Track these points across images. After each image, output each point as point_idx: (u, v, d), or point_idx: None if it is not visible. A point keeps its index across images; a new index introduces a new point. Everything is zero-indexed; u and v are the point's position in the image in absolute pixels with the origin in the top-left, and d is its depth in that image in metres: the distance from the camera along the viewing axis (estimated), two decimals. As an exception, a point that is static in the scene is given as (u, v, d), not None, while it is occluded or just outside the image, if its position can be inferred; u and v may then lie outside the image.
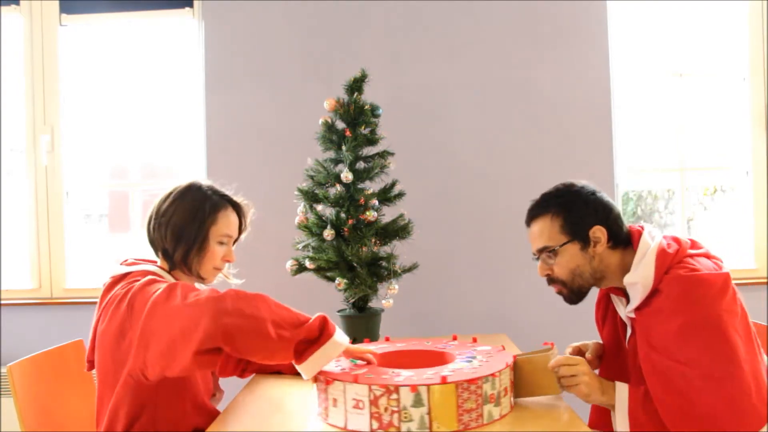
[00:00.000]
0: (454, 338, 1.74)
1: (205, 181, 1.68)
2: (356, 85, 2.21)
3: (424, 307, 2.74)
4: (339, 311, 2.24)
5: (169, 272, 1.60)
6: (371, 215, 2.13)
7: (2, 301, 2.82)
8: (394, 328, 2.33)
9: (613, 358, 1.66)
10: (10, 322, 2.82)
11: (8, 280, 2.91)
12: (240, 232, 1.70)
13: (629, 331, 1.60)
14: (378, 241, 2.19)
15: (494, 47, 2.80)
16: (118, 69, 3.03)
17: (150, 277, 1.47)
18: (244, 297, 1.32)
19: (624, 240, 1.56)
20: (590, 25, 2.78)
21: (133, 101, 3.03)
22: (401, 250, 2.24)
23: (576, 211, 1.56)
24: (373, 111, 2.22)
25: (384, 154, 2.24)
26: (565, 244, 1.55)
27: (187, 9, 2.90)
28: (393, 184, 2.27)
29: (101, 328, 1.46)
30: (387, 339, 1.76)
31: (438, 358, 1.57)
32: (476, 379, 1.32)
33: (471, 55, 2.80)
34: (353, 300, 2.18)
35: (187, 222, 1.57)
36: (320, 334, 1.37)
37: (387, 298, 2.20)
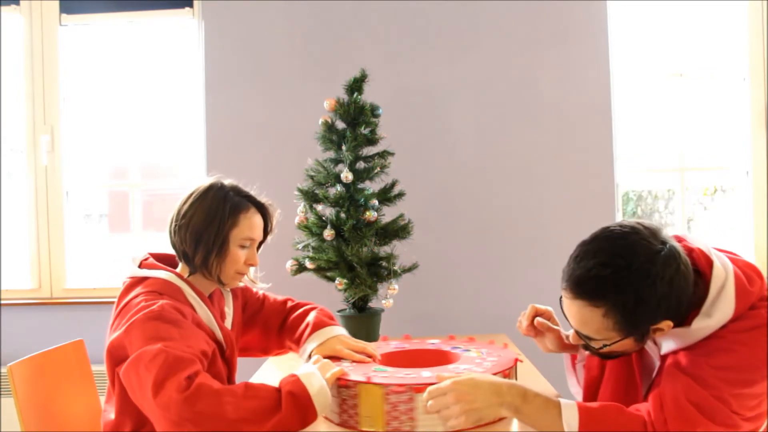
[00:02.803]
0: (451, 338, 1.76)
1: (227, 180, 1.60)
2: (356, 85, 2.21)
3: (424, 307, 2.74)
4: (339, 311, 2.24)
5: (189, 276, 1.55)
6: (371, 215, 2.13)
7: (2, 301, 2.81)
8: (394, 328, 2.34)
9: (617, 386, 1.39)
10: (10, 322, 2.82)
11: (8, 280, 2.91)
12: (266, 234, 1.64)
13: (656, 368, 1.33)
14: (378, 241, 2.19)
15: (494, 47, 2.79)
16: (118, 69, 3.03)
17: (158, 305, 1.40)
18: (214, 395, 1.26)
19: (689, 305, 1.21)
20: (590, 25, 2.78)
21: (132, 101, 3.03)
22: (401, 250, 2.24)
23: (641, 312, 1.16)
24: (373, 111, 2.22)
25: (384, 154, 2.24)
26: (617, 341, 1.21)
27: (187, 9, 2.90)
28: (393, 184, 2.27)
29: (112, 335, 1.44)
30: (385, 339, 1.76)
31: (442, 358, 1.58)
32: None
33: (471, 55, 2.80)
34: (353, 300, 2.18)
35: (206, 224, 1.51)
36: (298, 400, 1.30)
37: (387, 298, 2.20)
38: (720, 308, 1.17)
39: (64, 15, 2.91)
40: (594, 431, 1.16)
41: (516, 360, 1.49)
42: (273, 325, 1.75)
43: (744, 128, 2.86)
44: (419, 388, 1.27)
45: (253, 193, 1.61)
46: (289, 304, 1.79)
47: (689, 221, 3.05)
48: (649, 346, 1.33)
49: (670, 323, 1.19)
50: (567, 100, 2.78)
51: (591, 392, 1.44)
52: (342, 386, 1.35)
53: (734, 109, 2.89)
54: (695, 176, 2.99)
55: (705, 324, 1.18)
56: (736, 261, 1.24)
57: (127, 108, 3.03)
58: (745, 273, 1.21)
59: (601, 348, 1.23)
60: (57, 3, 2.91)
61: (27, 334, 2.80)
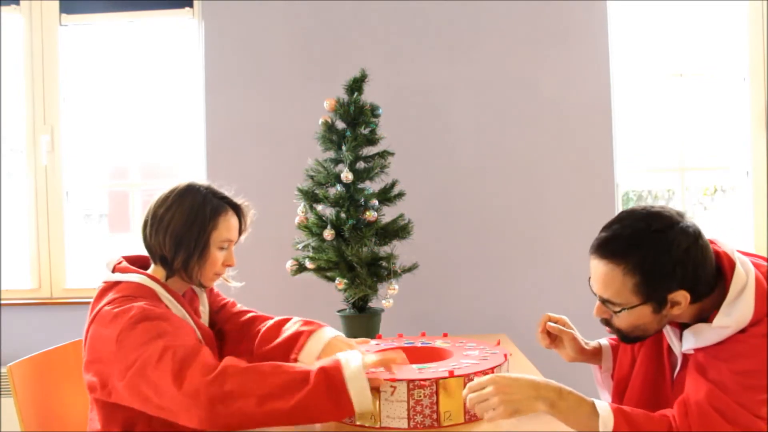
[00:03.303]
0: (445, 335, 1.79)
1: (202, 181, 1.58)
2: (356, 85, 2.22)
3: (424, 307, 2.74)
4: (339, 311, 2.24)
5: (165, 280, 1.53)
6: (371, 215, 2.13)
7: (2, 301, 2.81)
8: (394, 328, 2.34)
9: (645, 386, 1.43)
10: (10, 322, 2.82)
11: (8, 280, 2.91)
12: (240, 234, 1.62)
13: (679, 366, 1.37)
14: (378, 241, 2.19)
15: (494, 47, 2.80)
16: (118, 69, 3.03)
17: (136, 307, 1.38)
18: (241, 374, 1.26)
19: (710, 290, 1.27)
20: (590, 25, 2.78)
21: (133, 101, 3.03)
22: (401, 250, 2.24)
23: (658, 274, 1.22)
24: (373, 111, 2.22)
25: (384, 154, 2.24)
26: (636, 306, 1.26)
27: (187, 9, 2.90)
28: (393, 184, 2.27)
29: (90, 341, 1.42)
30: (391, 336, 1.77)
31: (436, 354, 1.61)
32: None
33: (471, 55, 2.80)
34: (353, 300, 2.18)
35: (186, 228, 1.49)
36: (330, 379, 1.27)
37: (387, 298, 2.20)
38: (739, 308, 1.22)
39: (64, 15, 2.91)
40: None
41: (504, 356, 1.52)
42: (227, 331, 1.69)
43: (744, 128, 2.86)
44: (493, 371, 1.40)
45: (228, 194, 1.59)
46: (249, 315, 1.72)
47: (689, 221, 3.06)
48: (673, 343, 1.36)
49: (686, 295, 1.23)
50: (567, 100, 2.78)
51: (620, 390, 1.47)
52: (417, 388, 1.34)
53: (734, 109, 2.90)
54: (695, 176, 2.99)
55: (724, 323, 1.22)
56: (760, 266, 1.28)
57: (127, 108, 3.03)
58: (766, 276, 1.25)
59: (620, 312, 1.27)
60: (57, 3, 2.91)
61: (27, 334, 2.80)
